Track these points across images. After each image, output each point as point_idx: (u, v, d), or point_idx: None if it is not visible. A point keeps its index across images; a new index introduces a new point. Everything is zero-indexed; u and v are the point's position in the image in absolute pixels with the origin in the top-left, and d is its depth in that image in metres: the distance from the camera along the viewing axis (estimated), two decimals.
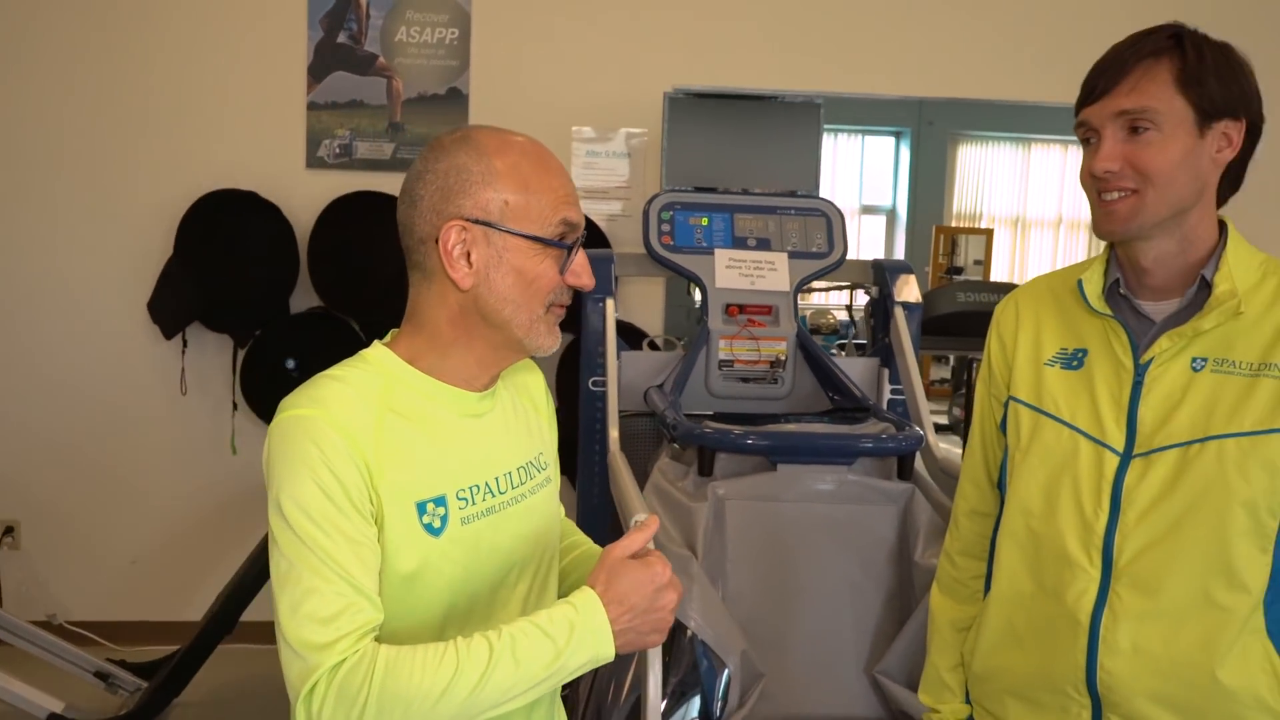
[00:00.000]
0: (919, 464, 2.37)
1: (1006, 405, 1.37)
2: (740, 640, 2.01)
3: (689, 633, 1.97)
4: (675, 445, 2.43)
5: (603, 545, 1.25)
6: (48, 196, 3.56)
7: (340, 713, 1.01)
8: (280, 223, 3.53)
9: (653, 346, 3.04)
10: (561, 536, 1.39)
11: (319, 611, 1.04)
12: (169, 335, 3.57)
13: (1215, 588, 1.19)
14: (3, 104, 3.51)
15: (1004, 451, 1.39)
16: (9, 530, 3.64)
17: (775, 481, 2.19)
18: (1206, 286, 1.21)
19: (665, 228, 2.80)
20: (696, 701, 2.01)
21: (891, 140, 6.39)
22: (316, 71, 3.59)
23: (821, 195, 3.12)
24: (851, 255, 2.85)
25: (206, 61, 3.56)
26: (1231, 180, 1.23)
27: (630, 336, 3.36)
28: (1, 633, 3.04)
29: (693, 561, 2.02)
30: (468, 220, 1.13)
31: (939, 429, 3.05)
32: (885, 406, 2.70)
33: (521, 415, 1.31)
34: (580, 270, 1.18)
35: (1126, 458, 1.24)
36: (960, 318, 3.89)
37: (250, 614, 2.98)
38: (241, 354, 3.55)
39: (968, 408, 4.96)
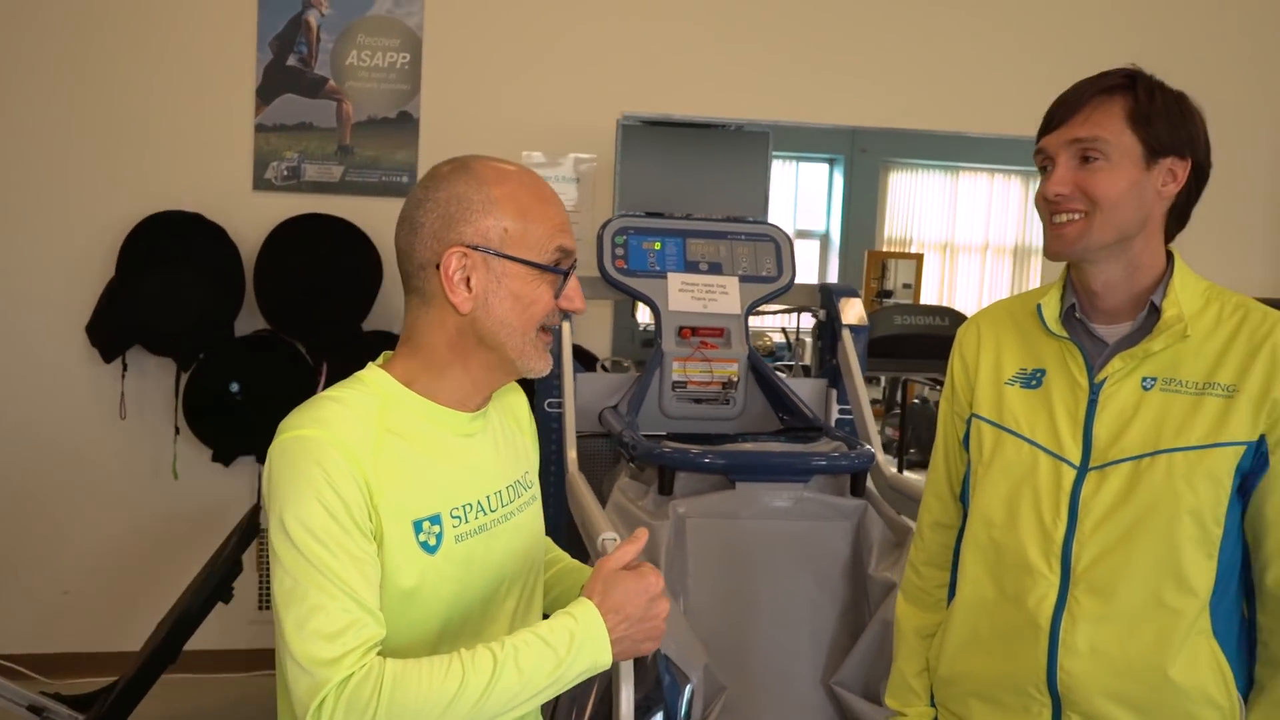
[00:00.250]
0: (869, 481, 2.45)
1: (969, 422, 1.45)
2: (703, 654, 2.06)
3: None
4: (634, 465, 2.47)
5: None
6: None
7: None
8: (226, 245, 3.50)
9: (604, 368, 3.09)
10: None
11: (325, 628, 1.06)
12: (108, 358, 3.51)
13: (1166, 591, 1.27)
14: None
15: (966, 466, 1.47)
16: None
17: (734, 499, 2.24)
18: (1155, 311, 1.30)
19: (619, 251, 2.86)
20: (659, 718, 2.05)
21: (826, 167, 6.56)
22: (265, 93, 3.58)
23: (770, 221, 3.21)
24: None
25: (152, 81, 3.52)
26: (1178, 217, 1.32)
27: (581, 358, 3.41)
28: None
29: None
30: (468, 247, 1.17)
31: None
32: (834, 426, 2.78)
33: (508, 435, 1.35)
34: (573, 295, 1.23)
35: (1083, 470, 1.32)
36: (897, 340, 4.02)
37: (193, 643, 2.94)
38: (184, 377, 3.50)
39: (902, 428, 5.10)
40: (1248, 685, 1.32)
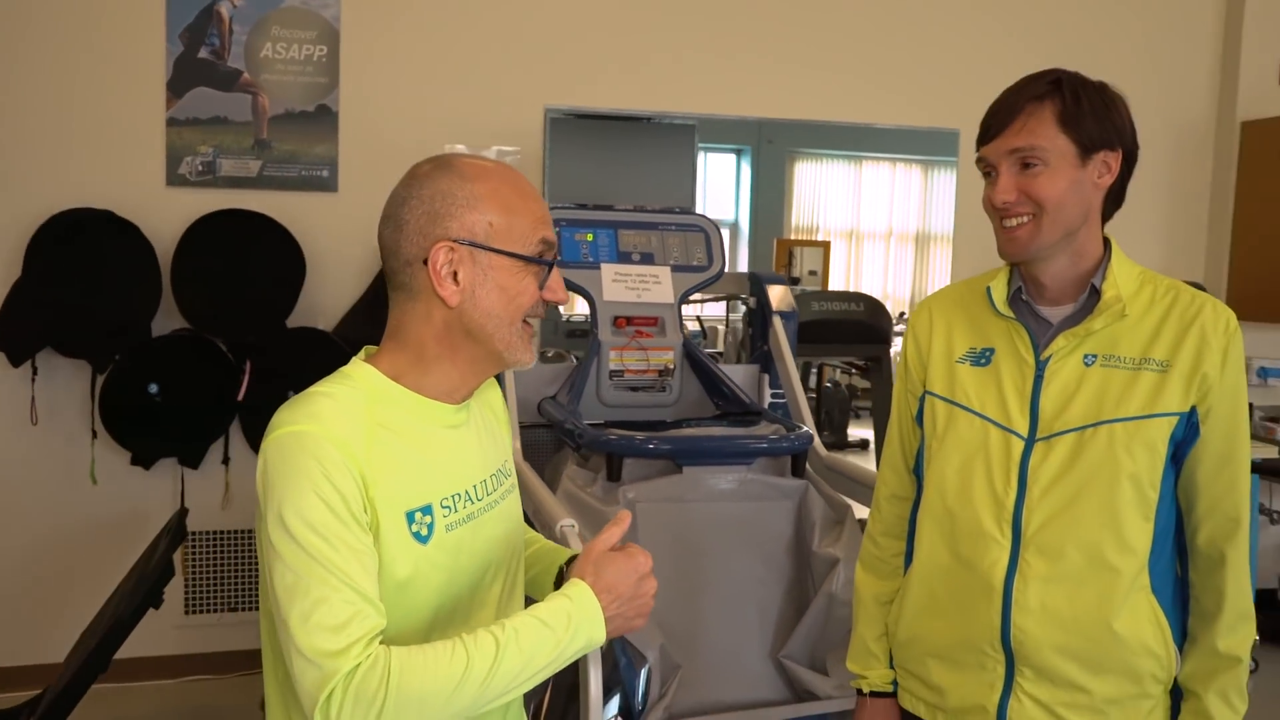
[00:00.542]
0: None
1: (922, 400, 1.54)
2: (658, 635, 2.12)
3: None
4: (579, 453, 2.51)
5: None
6: None
7: (359, 715, 1.05)
8: (140, 242, 3.40)
9: (544, 359, 3.12)
10: None
11: (329, 620, 1.07)
12: (16, 362, 3.38)
13: (1108, 551, 1.37)
14: None
15: (919, 441, 1.56)
16: None
17: (681, 483, 2.31)
18: (1095, 293, 1.41)
19: None
20: (616, 700, 2.10)
21: (733, 157, 6.67)
22: (176, 87, 3.49)
23: (699, 212, 3.28)
24: None
25: (56, 75, 3.40)
26: (1114, 199, 1.43)
27: None
28: None
29: None
30: (455, 241, 1.20)
31: None
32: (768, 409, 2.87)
33: (488, 426, 1.38)
34: (556, 287, 1.27)
35: (1030, 442, 1.41)
36: (814, 326, 4.12)
37: (119, 651, 2.86)
38: (100, 380, 3.40)
39: (816, 411, 5.23)
40: (1182, 637, 1.44)
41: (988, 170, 1.42)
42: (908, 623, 1.55)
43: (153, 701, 3.42)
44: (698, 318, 4.37)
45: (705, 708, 2.16)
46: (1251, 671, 1.45)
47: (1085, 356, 1.40)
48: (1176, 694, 1.43)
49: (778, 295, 2.97)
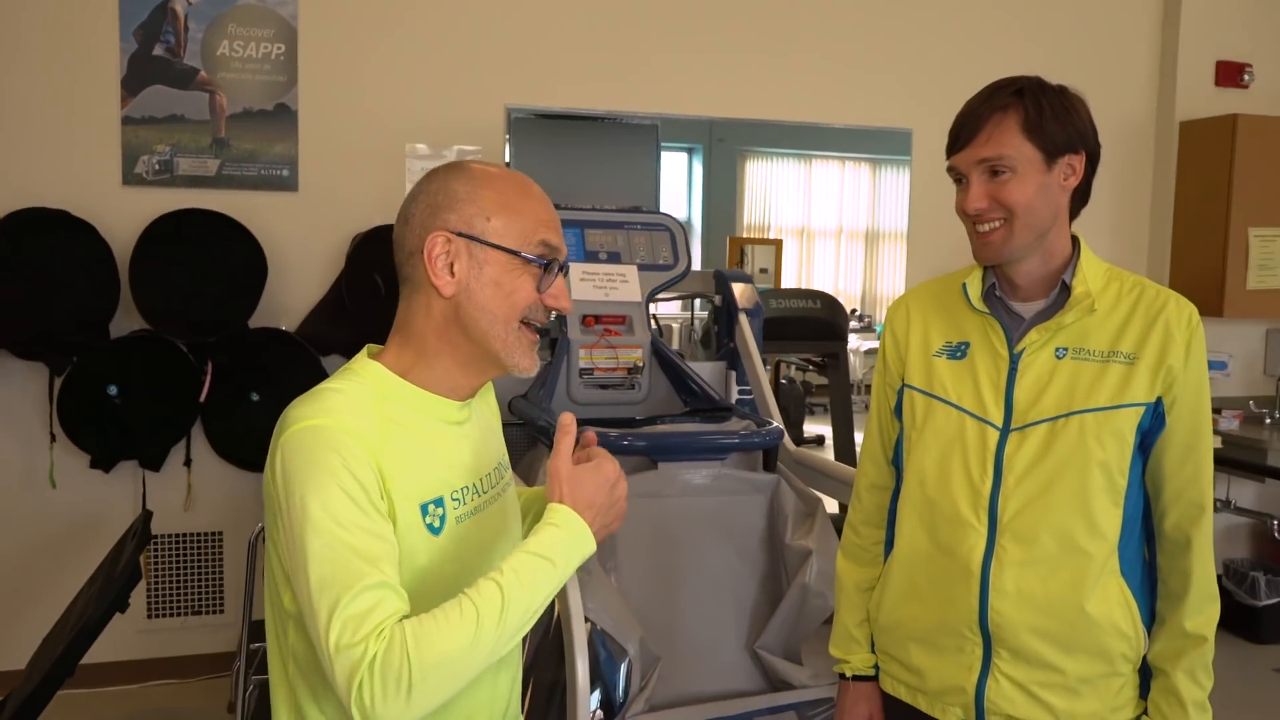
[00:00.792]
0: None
1: (901, 392, 1.59)
2: (638, 628, 2.16)
3: (589, 624, 2.10)
4: None
5: None
6: None
7: (390, 694, 1.06)
8: (96, 242, 3.36)
9: None
10: None
11: (355, 609, 1.08)
12: None
13: (1080, 536, 1.44)
14: None
15: (898, 433, 1.61)
16: None
17: (657, 479, 2.35)
18: (1066, 289, 1.47)
19: None
20: (597, 693, 2.13)
21: (685, 156, 6.72)
22: (131, 85, 3.45)
23: (663, 211, 3.33)
24: None
25: (5, 72, 3.34)
26: (1081, 198, 1.50)
27: None
28: None
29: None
30: (452, 233, 1.23)
31: None
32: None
33: (487, 424, 1.41)
34: (558, 293, 1.29)
35: (1005, 432, 1.48)
36: (775, 323, 4.19)
37: (87, 656, 2.83)
38: (58, 382, 3.34)
39: (782, 408, 5.30)
40: (1150, 618, 1.51)
41: (958, 178, 1.48)
42: (889, 608, 1.60)
43: (117, 707, 3.38)
44: (654, 315, 4.39)
45: (684, 699, 2.20)
46: None
47: (1057, 350, 1.47)
48: (1145, 673, 1.50)
49: (743, 293, 3.02)
